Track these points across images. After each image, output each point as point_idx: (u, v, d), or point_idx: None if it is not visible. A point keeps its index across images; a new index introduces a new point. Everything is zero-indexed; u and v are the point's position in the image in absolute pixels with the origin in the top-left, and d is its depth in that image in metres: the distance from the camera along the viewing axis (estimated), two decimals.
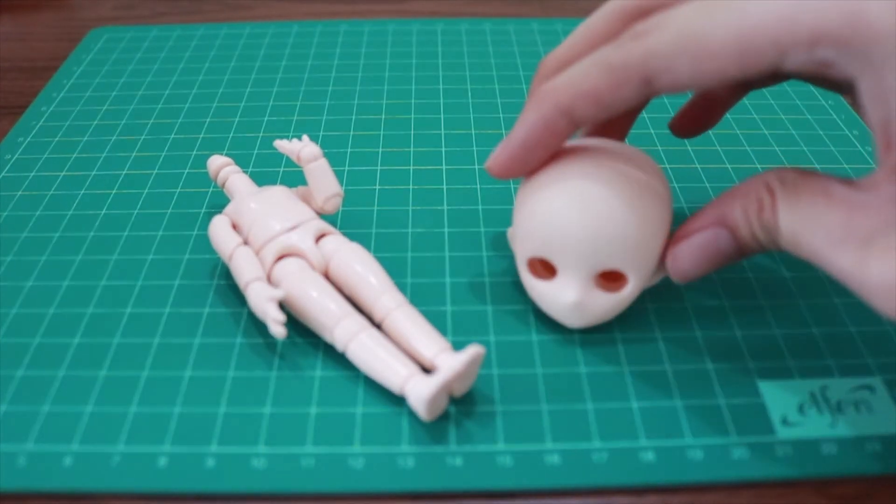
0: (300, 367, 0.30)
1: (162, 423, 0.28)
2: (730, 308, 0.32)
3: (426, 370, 0.28)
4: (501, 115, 0.45)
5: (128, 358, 0.30)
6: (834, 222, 0.24)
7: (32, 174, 0.40)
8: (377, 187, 0.39)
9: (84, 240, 0.36)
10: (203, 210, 0.38)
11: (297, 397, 0.29)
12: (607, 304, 0.30)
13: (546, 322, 0.32)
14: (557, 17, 0.58)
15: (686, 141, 0.43)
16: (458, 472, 0.26)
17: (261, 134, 0.44)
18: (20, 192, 0.39)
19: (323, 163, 0.34)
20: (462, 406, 0.29)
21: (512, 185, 0.40)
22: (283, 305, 0.30)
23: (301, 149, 0.34)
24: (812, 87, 0.48)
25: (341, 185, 0.39)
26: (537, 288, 0.31)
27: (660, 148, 0.43)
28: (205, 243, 0.36)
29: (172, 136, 0.44)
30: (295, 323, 0.31)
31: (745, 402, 0.29)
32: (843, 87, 0.27)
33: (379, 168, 0.41)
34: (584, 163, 0.29)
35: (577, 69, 0.27)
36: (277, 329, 0.29)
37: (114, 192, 0.39)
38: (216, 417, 0.28)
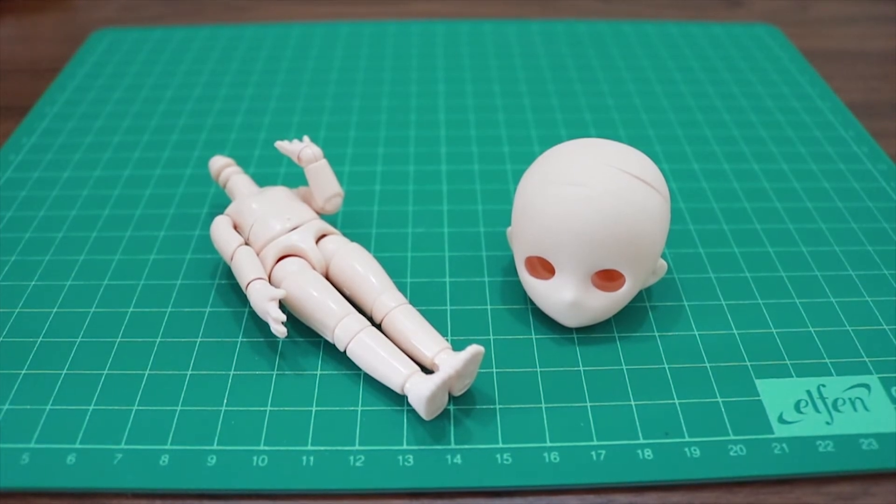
0: (301, 366, 0.30)
1: (164, 422, 0.28)
2: (727, 307, 0.33)
3: (426, 369, 0.29)
4: (501, 116, 0.46)
5: (130, 357, 0.31)
6: None
7: (36, 175, 0.41)
8: (377, 188, 0.40)
9: (87, 240, 0.36)
10: (205, 210, 0.38)
11: (297, 396, 0.29)
12: (605, 303, 0.30)
13: (545, 321, 0.32)
14: (557, 18, 0.58)
15: (684, 141, 0.43)
16: (458, 470, 0.27)
17: (262, 135, 0.44)
18: (24, 193, 0.39)
19: (323, 163, 0.34)
20: (462, 405, 0.29)
21: (511, 186, 0.40)
22: (283, 305, 0.31)
23: (302, 150, 0.34)
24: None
25: (342, 185, 0.40)
26: (535, 287, 0.31)
27: (658, 148, 0.43)
28: (206, 243, 0.36)
29: (174, 137, 0.44)
30: (296, 322, 0.31)
31: (743, 401, 0.29)
32: None
33: (379, 169, 0.41)
34: (582, 162, 0.29)
35: None
36: (278, 328, 0.29)
37: (116, 192, 0.39)
38: (218, 416, 0.28)
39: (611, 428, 0.28)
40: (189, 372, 0.30)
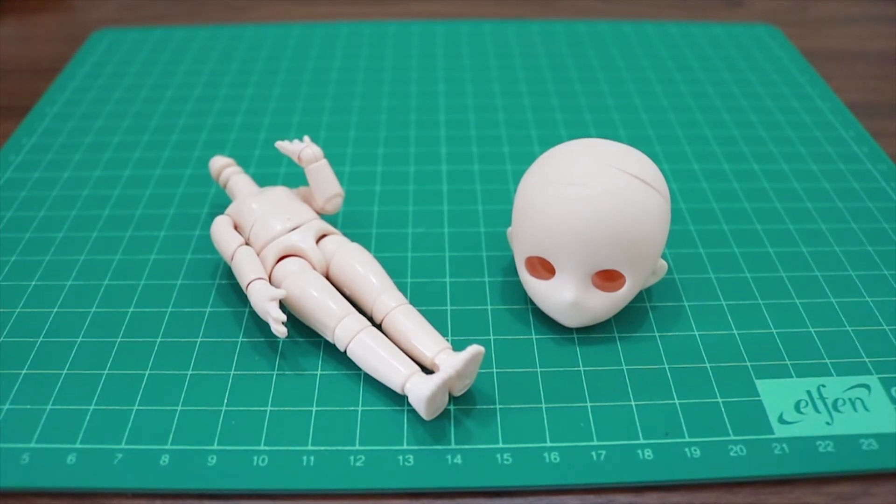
0: (301, 366, 0.30)
1: (164, 422, 0.28)
2: (727, 307, 0.33)
3: (426, 369, 0.29)
4: (501, 117, 0.46)
5: (130, 357, 0.31)
6: None
7: (36, 175, 0.41)
8: (377, 188, 0.40)
9: (87, 240, 0.36)
10: (205, 210, 0.38)
11: (298, 396, 0.29)
12: (605, 303, 0.30)
13: (545, 321, 0.32)
14: (557, 18, 0.58)
15: (684, 141, 0.43)
16: (458, 470, 0.27)
17: (262, 135, 0.44)
18: (24, 193, 0.39)
19: (324, 164, 0.34)
20: (462, 405, 0.29)
21: (511, 186, 0.40)
22: (283, 305, 0.31)
23: (302, 150, 0.34)
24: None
25: (342, 185, 0.40)
26: (536, 287, 0.31)
27: (658, 149, 0.43)
28: (207, 243, 0.36)
29: (175, 137, 0.44)
30: (296, 322, 0.31)
31: (743, 401, 0.29)
32: None
33: (379, 169, 0.41)
34: (582, 162, 0.29)
35: None
36: (278, 328, 0.29)
37: (117, 192, 0.39)
38: (218, 416, 0.28)
39: (611, 428, 0.28)
40: (189, 372, 0.30)
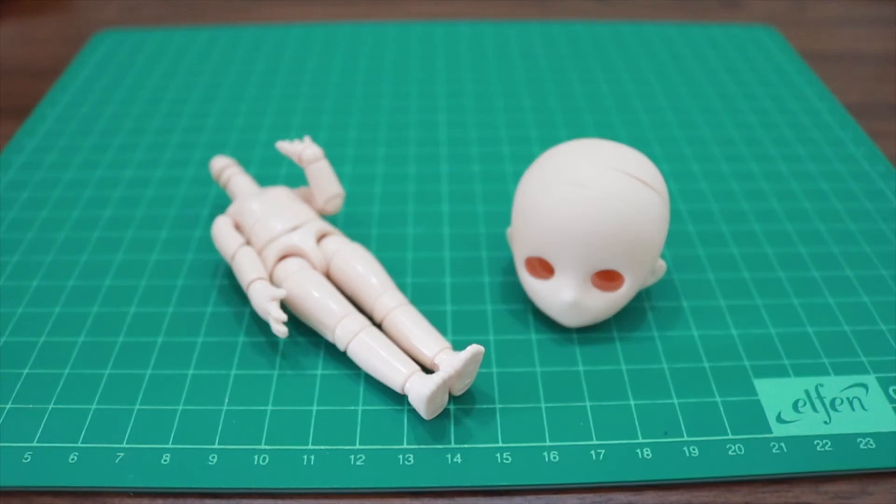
0: (302, 366, 0.30)
1: (165, 421, 0.28)
2: (726, 307, 0.33)
3: (426, 369, 0.29)
4: (501, 117, 0.46)
5: (132, 356, 0.31)
6: None
7: (38, 176, 0.41)
8: (378, 188, 0.40)
9: (89, 240, 0.36)
10: (206, 211, 0.38)
11: (298, 395, 0.29)
12: (604, 303, 0.30)
13: (545, 321, 0.32)
14: (556, 19, 0.58)
15: (683, 142, 0.44)
16: (458, 469, 0.27)
17: (263, 136, 0.44)
18: (26, 194, 0.39)
19: (324, 164, 0.34)
20: (462, 404, 0.29)
21: (511, 186, 0.40)
22: (284, 305, 0.31)
23: (303, 150, 0.34)
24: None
25: (342, 186, 0.40)
26: (535, 287, 0.31)
27: (657, 149, 0.43)
28: (207, 244, 0.36)
29: (176, 137, 0.44)
30: (296, 322, 0.32)
31: (741, 400, 0.29)
32: None
33: (380, 169, 0.41)
34: (582, 163, 0.30)
35: None
36: (279, 328, 0.29)
37: (118, 193, 0.39)
38: (219, 415, 0.28)
39: (610, 427, 0.28)
40: (190, 371, 0.30)
